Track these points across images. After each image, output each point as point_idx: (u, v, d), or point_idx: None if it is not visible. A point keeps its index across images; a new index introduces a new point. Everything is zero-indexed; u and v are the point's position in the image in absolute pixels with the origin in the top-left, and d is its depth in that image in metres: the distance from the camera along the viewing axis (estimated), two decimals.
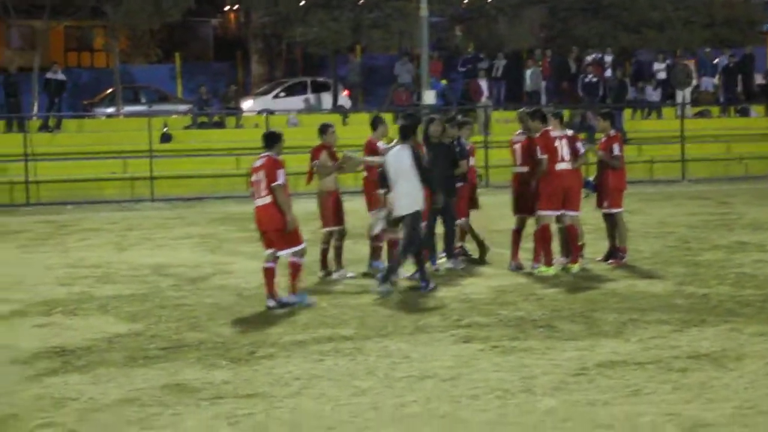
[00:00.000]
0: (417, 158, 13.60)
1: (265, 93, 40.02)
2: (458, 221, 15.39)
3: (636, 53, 43.29)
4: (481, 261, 15.81)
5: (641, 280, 14.15)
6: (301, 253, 12.76)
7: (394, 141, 14.25)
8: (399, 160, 13.60)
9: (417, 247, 13.58)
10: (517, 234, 15.28)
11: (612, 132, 15.59)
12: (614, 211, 15.46)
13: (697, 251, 16.63)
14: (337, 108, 37.84)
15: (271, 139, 12.94)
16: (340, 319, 11.87)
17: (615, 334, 10.85)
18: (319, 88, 40.24)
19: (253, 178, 12.77)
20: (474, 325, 11.42)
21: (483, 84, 36.50)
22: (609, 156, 15.38)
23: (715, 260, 15.64)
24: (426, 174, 13.64)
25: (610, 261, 15.38)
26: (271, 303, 12.60)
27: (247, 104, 38.94)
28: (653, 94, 37.56)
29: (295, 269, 12.69)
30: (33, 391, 9.13)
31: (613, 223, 15.50)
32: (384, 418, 8.10)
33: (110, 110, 37.87)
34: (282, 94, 39.66)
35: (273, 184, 12.53)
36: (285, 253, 12.67)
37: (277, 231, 12.63)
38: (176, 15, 39.15)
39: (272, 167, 12.59)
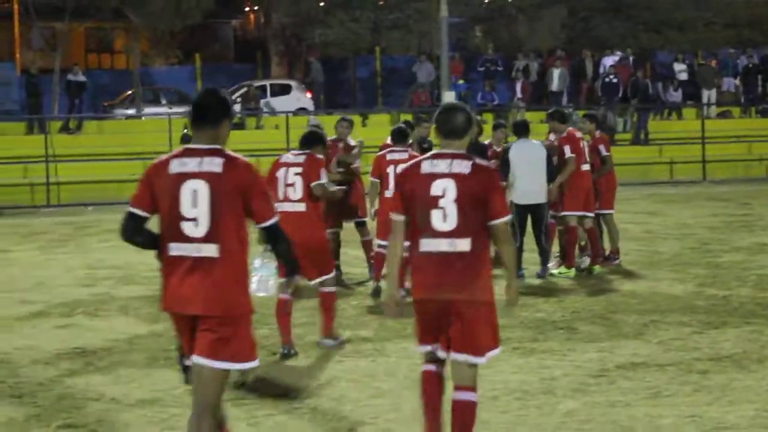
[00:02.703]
0: (549, 155, 14.38)
1: None
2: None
3: (656, 54, 43.21)
4: None
5: (661, 281, 14.12)
6: None
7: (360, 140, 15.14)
8: (530, 152, 14.26)
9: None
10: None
11: (597, 134, 15.53)
12: (605, 212, 15.42)
13: (718, 253, 16.58)
14: (300, 110, 37.05)
15: (405, 135, 13.87)
16: (359, 321, 11.89)
17: (635, 335, 10.84)
18: (280, 92, 38.87)
19: (389, 170, 13.32)
20: None
21: (517, 85, 36.56)
22: (601, 171, 15.27)
23: (736, 262, 15.59)
24: (554, 172, 14.53)
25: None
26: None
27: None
28: (674, 95, 37.47)
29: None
30: (55, 391, 9.17)
31: (605, 224, 15.44)
32: (404, 420, 8.10)
33: (130, 112, 37.98)
34: (238, 99, 37.76)
35: None
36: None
37: None
38: (197, 16, 39.25)
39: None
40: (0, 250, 19.20)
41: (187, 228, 6.09)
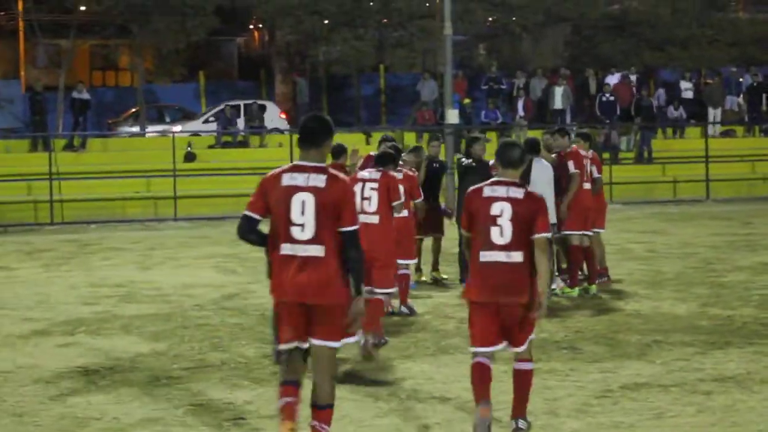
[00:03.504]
0: (556, 175, 14.49)
1: (198, 117, 38.42)
2: None
3: (659, 72, 43.20)
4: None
5: (664, 301, 14.10)
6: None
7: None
8: (544, 172, 14.26)
9: None
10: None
11: (590, 153, 15.36)
12: (597, 230, 15.32)
13: (721, 272, 16.55)
14: (273, 129, 36.58)
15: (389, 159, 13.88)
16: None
17: (639, 355, 10.82)
18: (258, 112, 37.60)
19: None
20: None
21: (519, 103, 36.53)
22: (592, 192, 15.16)
23: (739, 282, 15.57)
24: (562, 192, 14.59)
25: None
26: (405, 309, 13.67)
27: (175, 128, 36.96)
28: (674, 113, 37.44)
29: (407, 280, 13.76)
30: (56, 410, 9.16)
31: (592, 242, 15.35)
32: None
33: (134, 129, 38.01)
34: (212, 118, 37.63)
35: (417, 201, 13.78)
36: (406, 263, 13.71)
37: (411, 241, 13.78)
38: (201, 34, 39.30)
39: (413, 183, 13.89)
40: (3, 267, 19.20)
41: (296, 232, 7.21)
